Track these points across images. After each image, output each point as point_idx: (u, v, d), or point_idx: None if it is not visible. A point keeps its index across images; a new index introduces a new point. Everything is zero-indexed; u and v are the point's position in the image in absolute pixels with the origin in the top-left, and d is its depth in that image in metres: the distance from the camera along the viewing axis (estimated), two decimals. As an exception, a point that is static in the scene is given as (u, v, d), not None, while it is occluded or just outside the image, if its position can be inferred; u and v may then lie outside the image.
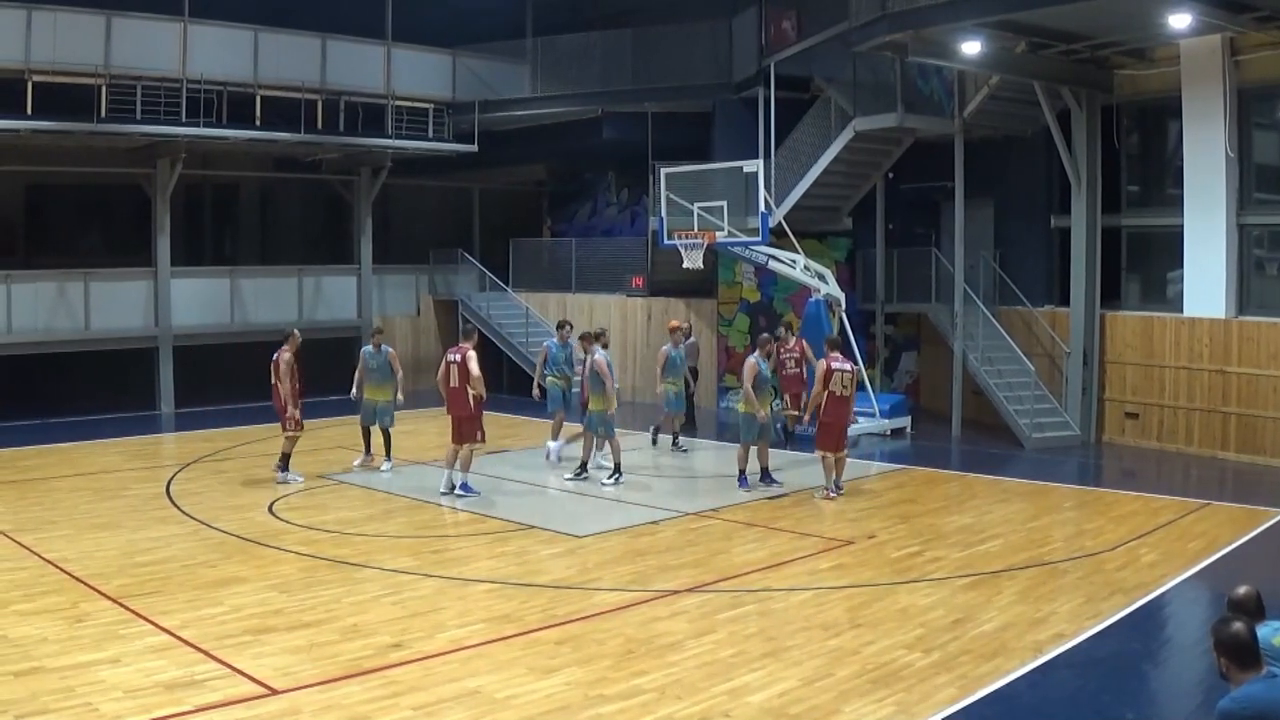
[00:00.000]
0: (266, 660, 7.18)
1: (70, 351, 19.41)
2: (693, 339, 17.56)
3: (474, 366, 12.26)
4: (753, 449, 12.99)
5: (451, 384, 12.40)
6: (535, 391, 15.00)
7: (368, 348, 14.46)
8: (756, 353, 13.06)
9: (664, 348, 15.26)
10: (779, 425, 15.29)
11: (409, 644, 7.57)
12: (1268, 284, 15.55)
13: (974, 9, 13.98)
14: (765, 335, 13.92)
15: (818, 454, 12.67)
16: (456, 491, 12.45)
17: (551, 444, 14.85)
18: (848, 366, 12.60)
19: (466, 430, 12.45)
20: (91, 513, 11.58)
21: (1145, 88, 16.50)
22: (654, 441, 15.99)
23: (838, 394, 12.39)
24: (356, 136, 21.09)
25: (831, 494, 12.53)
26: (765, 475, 13.08)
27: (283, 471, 13.19)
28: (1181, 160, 15.75)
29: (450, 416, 12.52)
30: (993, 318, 17.77)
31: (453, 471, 12.55)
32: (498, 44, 22.93)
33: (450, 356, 12.55)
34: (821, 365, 12.66)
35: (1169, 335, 16.00)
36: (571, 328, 15.32)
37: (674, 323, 15.90)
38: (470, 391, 12.28)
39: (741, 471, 13.00)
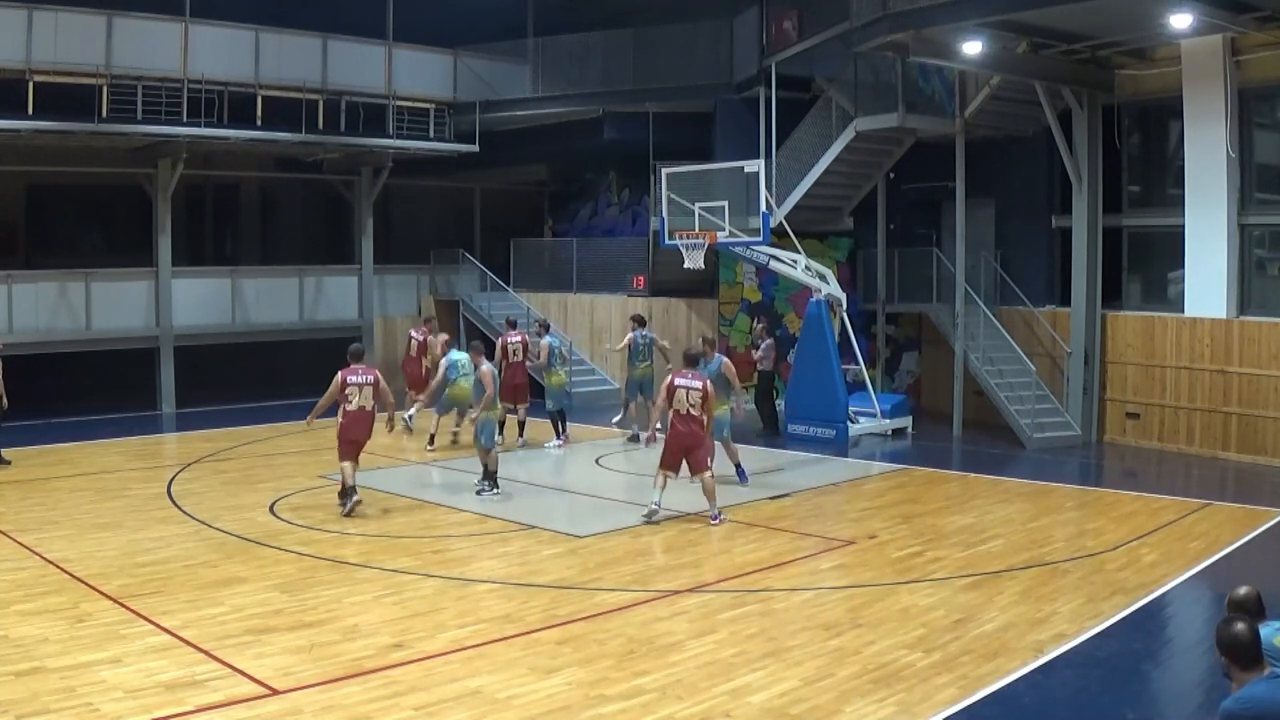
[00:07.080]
0: (267, 660, 7.19)
1: (71, 351, 19.41)
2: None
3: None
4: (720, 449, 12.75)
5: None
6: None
7: (554, 337, 16.47)
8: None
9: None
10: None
11: (410, 644, 7.57)
12: (1269, 284, 15.54)
13: (975, 9, 13.98)
14: (710, 337, 14.27)
15: (693, 478, 11.63)
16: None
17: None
18: (697, 384, 11.32)
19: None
20: (93, 513, 11.59)
21: (1146, 88, 16.50)
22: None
23: (683, 412, 11.31)
24: (357, 137, 21.09)
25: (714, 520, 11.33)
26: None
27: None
28: (1182, 160, 15.74)
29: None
30: (994, 318, 17.75)
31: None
32: (499, 44, 22.94)
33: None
34: (666, 381, 11.63)
35: (1170, 335, 15.99)
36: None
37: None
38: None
39: (738, 466, 13.11)
